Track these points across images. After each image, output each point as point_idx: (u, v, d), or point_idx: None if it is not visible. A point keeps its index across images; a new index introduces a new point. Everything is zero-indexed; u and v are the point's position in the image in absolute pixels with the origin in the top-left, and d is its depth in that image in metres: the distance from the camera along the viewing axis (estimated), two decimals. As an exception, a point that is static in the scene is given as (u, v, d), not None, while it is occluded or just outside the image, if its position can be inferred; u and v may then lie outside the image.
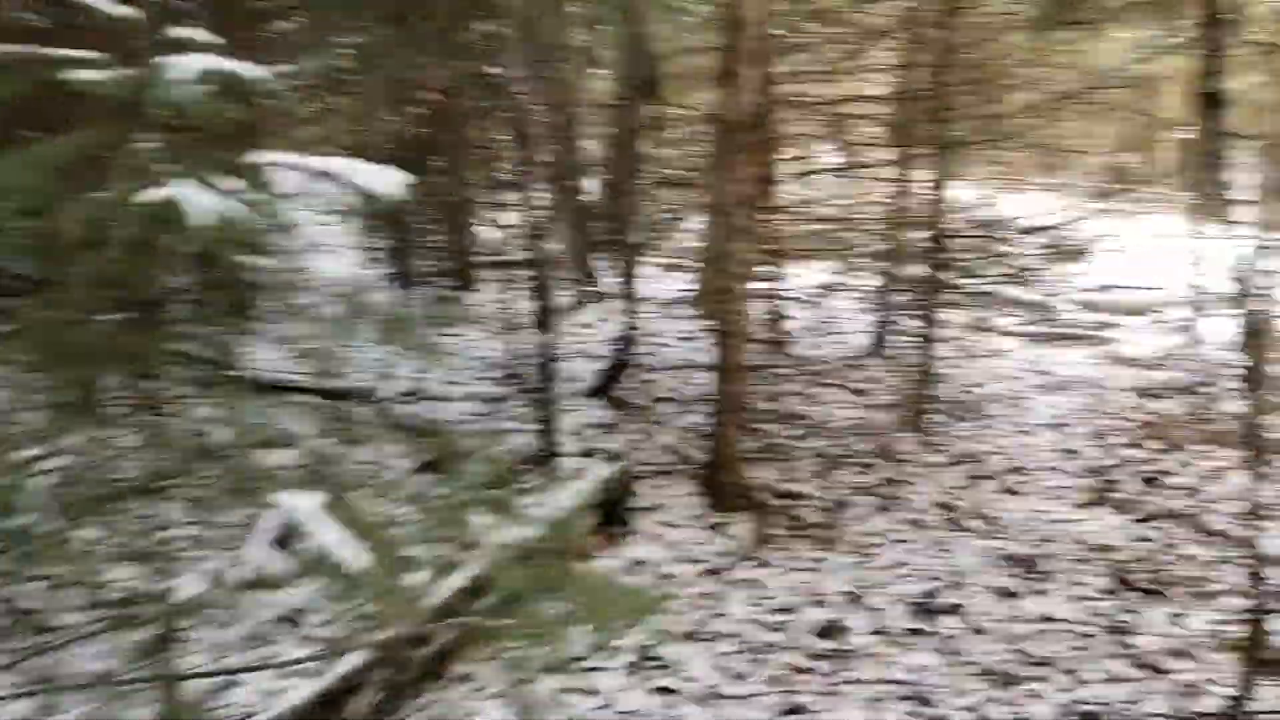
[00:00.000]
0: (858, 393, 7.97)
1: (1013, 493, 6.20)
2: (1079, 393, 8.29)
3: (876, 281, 9.13)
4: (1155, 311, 11.26)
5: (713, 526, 5.57)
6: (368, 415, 7.52)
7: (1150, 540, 5.54)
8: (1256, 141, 8.84)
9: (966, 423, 7.44)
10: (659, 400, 7.61)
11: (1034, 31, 7.42)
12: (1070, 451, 6.90)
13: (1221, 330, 10.09)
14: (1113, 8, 8.02)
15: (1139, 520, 5.83)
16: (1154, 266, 12.97)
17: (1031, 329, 10.24)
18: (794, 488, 6.08)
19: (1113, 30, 10.29)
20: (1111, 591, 5.00)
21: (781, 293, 9.14)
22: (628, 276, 7.65)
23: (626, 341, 7.57)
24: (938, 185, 7.32)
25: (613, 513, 5.43)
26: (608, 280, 10.65)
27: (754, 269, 7.33)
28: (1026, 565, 5.26)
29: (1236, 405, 7.87)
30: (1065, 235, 12.67)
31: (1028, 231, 10.24)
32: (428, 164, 9.10)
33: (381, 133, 9.40)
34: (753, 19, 5.31)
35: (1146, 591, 4.95)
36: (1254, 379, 8.34)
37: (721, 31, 5.64)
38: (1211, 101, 9.68)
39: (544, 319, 6.18)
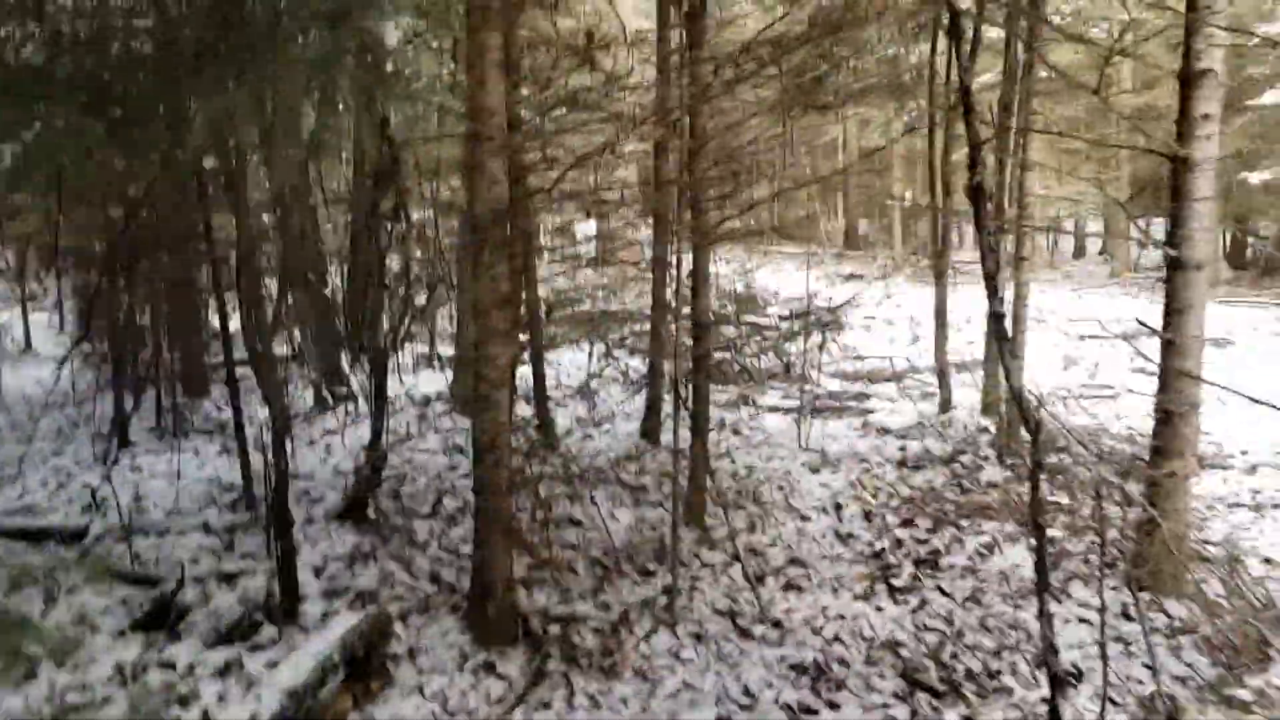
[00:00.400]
0: (634, 489, 7.62)
1: (796, 589, 5.97)
2: (846, 468, 8.31)
3: (642, 368, 8.91)
4: (909, 377, 11.68)
5: (482, 667, 4.96)
6: (71, 560, 6.43)
7: (935, 631, 5.42)
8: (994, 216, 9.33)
9: (744, 510, 7.23)
10: (419, 516, 6.94)
11: (779, 116, 7.48)
12: (847, 536, 6.80)
13: (971, 395, 10.58)
14: (853, 90, 8.24)
15: (919, 608, 5.72)
16: (906, 333, 13.62)
17: (794, 403, 10.32)
18: (570, 609, 5.58)
19: (852, 111, 10.70)
20: (903, 696, 4.80)
21: (548, 387, 8.73)
22: (378, 377, 6.99)
23: (378, 451, 6.88)
24: (696, 269, 7.15)
25: (366, 664, 4.72)
26: (358, 382, 9.90)
27: (514, 368, 6.88)
28: (816, 675, 4.98)
29: (993, 472, 8.13)
30: (821, 307, 13.08)
31: (790, 316, 10.38)
32: (145, 261, 8.11)
33: (86, 230, 8.33)
34: (495, 106, 4.91)
35: (937, 693, 4.78)
36: (1008, 448, 8.70)
37: (466, 119, 5.20)
38: (945, 183, 10.21)
39: (279, 430, 5.44)
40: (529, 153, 6.34)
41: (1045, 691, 4.69)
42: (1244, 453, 8.52)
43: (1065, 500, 7.25)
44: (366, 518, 6.82)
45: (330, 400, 9.61)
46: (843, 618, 5.63)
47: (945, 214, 10.30)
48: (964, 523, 6.95)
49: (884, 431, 9.52)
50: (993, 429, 9.26)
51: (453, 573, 5.99)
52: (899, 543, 6.66)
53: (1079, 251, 29.67)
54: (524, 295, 8.13)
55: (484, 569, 5.23)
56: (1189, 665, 4.88)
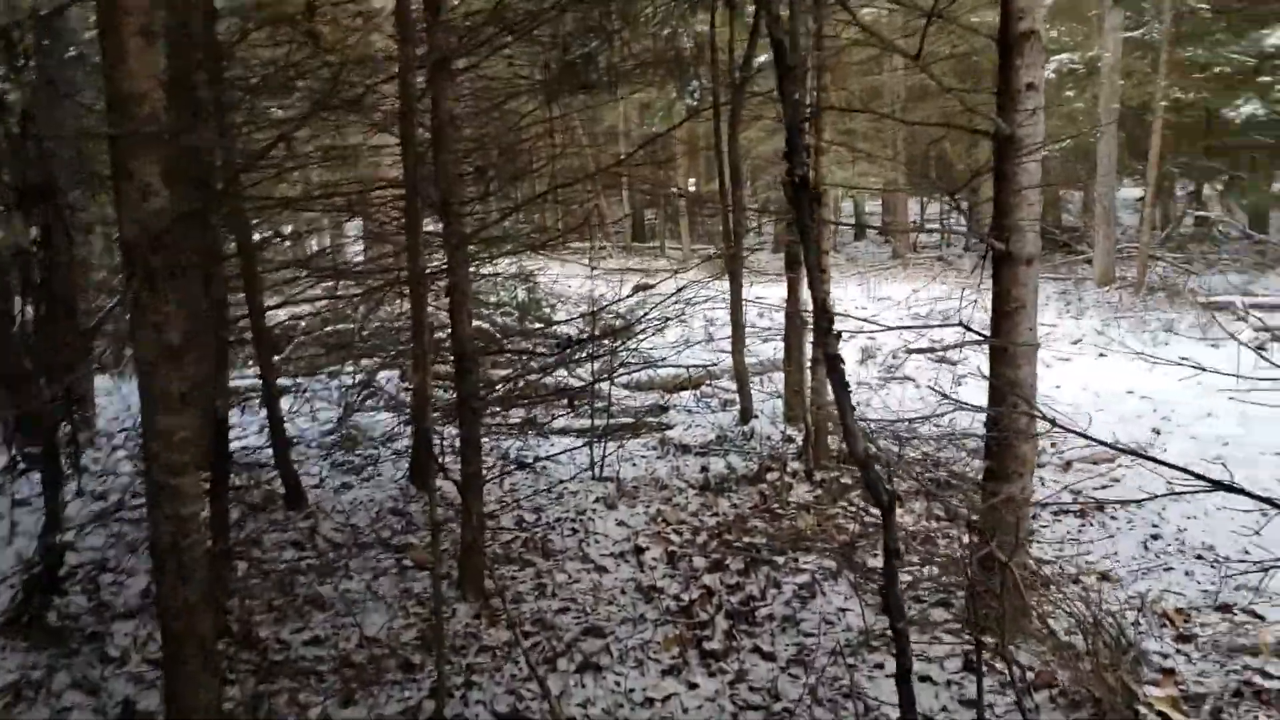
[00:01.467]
0: (399, 552, 6.37)
1: (594, 669, 4.93)
2: (645, 498, 7.36)
3: (406, 404, 7.67)
4: (707, 384, 10.92)
5: None
6: None
7: (759, 711, 4.52)
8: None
9: (532, 567, 6.15)
10: (121, 615, 5.47)
11: (544, 98, 6.43)
12: (650, 590, 5.82)
13: (773, 400, 9.89)
14: (626, 69, 7.28)
15: (738, 679, 4.81)
16: (702, 335, 12.88)
17: (586, 423, 9.31)
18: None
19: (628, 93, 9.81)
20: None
21: (293, 431, 7.33)
22: (46, 442, 5.47)
23: (54, 542, 5.36)
24: (453, 285, 5.97)
25: None
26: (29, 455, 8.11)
27: (222, 425, 5.50)
28: (623, 795, 3.98)
29: (804, 492, 7.38)
30: (611, 313, 12.16)
31: (577, 324, 9.38)
32: None
33: None
34: (142, 90, 3.58)
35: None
36: (815, 460, 8.00)
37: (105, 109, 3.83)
38: (734, 172, 9.44)
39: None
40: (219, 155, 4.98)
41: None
42: (1053, 445, 8.18)
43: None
44: (45, 627, 5.29)
45: (20, 461, 7.80)
46: (651, 703, 4.64)
47: (733, 206, 9.54)
48: (779, 559, 6.12)
49: (683, 450, 8.66)
50: (798, 439, 8.57)
51: (156, 697, 4.61)
52: (709, 592, 5.74)
53: (859, 234, 30.26)
54: (251, 324, 6.72)
55: (176, 705, 3.90)
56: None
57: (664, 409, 10.01)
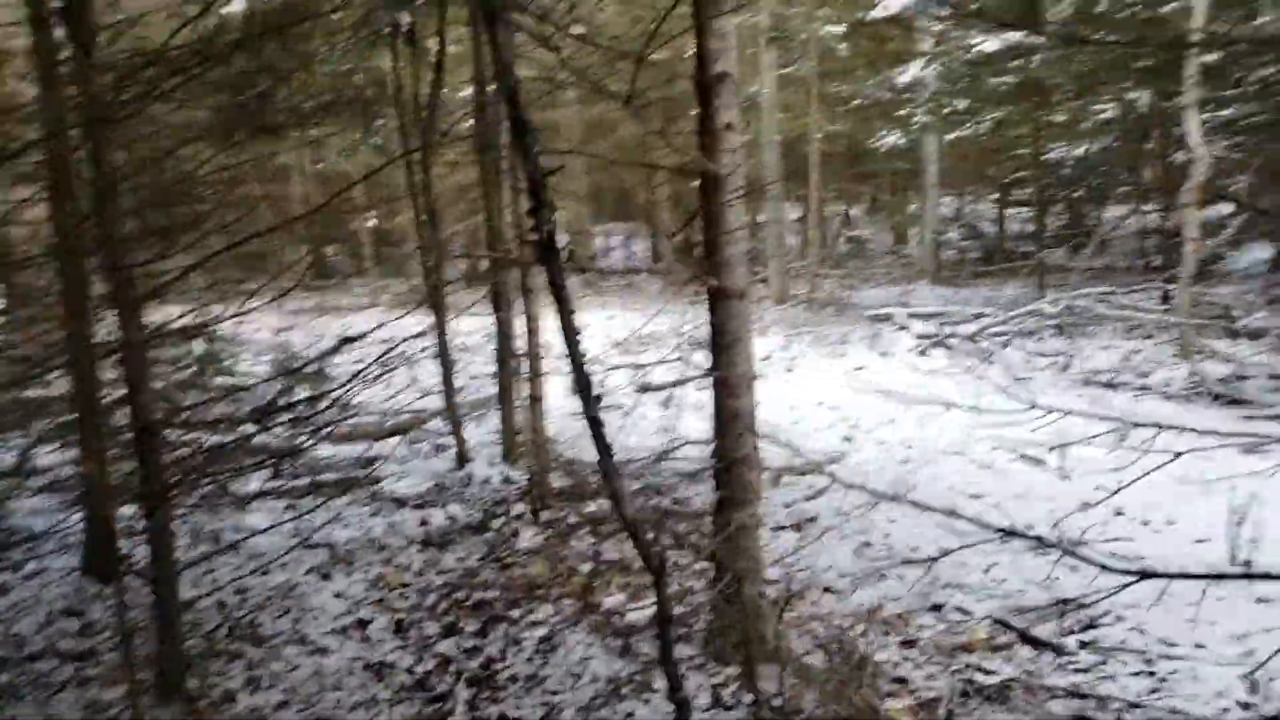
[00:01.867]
0: (79, 662, 5.49)
1: (326, 769, 4.46)
2: (363, 562, 6.87)
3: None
4: (415, 429, 10.46)
5: None
6: None
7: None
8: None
9: (242, 658, 5.50)
10: None
11: (219, 142, 5.83)
12: (380, 667, 5.39)
13: (488, 440, 9.62)
14: (306, 110, 6.80)
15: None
16: (405, 377, 12.33)
17: (286, 484, 8.60)
18: None
19: (309, 132, 9.24)
20: None
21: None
22: None
23: None
24: (130, 349, 5.25)
25: None
26: None
27: None
28: None
29: (531, 536, 7.19)
30: (302, 358, 11.38)
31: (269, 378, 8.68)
32: None
33: None
34: None
35: None
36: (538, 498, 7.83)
37: None
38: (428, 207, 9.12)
39: None
40: None
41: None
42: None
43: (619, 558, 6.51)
44: None
45: None
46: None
47: (432, 248, 9.23)
48: (514, 613, 5.88)
49: (399, 504, 8.20)
50: (518, 478, 8.39)
51: None
52: (445, 661, 5.39)
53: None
54: None
55: None
56: (805, 758, 4.24)
57: (372, 460, 9.47)
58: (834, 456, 8.51)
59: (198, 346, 12.23)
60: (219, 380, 11.52)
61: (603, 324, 17.29)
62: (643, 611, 5.77)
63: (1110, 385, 10.06)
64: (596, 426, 2.82)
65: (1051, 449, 7.47)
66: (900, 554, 6.42)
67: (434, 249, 8.85)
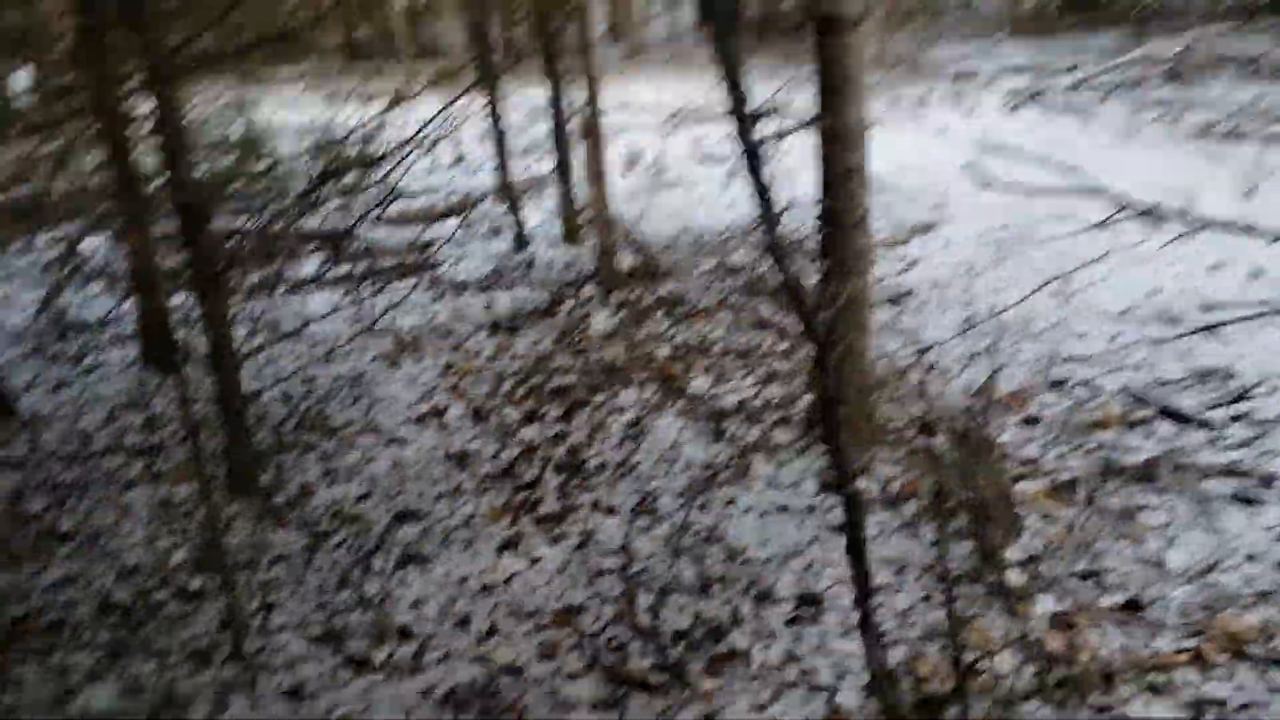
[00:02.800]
0: (147, 456, 5.26)
1: (418, 562, 4.21)
2: (432, 349, 6.53)
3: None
4: (469, 209, 9.93)
5: None
6: None
7: (614, 575, 3.98)
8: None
9: (315, 450, 5.25)
10: None
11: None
12: (462, 456, 5.10)
13: (547, 219, 9.09)
14: None
15: (584, 544, 4.25)
16: (455, 154, 11.69)
17: (343, 269, 8.21)
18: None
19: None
20: (611, 703, 3.33)
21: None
22: None
23: None
24: (167, 120, 4.69)
25: None
26: None
27: None
28: (482, 705, 3.36)
29: (605, 319, 6.77)
30: (344, 139, 10.77)
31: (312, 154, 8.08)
32: None
33: None
34: None
35: (652, 687, 3.36)
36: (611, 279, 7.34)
37: None
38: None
39: None
40: None
41: (787, 643, 3.48)
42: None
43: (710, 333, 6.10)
44: None
45: None
46: (491, 589, 4.01)
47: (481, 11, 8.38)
48: (597, 398, 5.53)
49: (461, 288, 7.78)
50: (582, 260, 7.90)
51: None
52: (530, 448, 5.09)
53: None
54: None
55: None
56: (936, 545, 3.89)
57: (428, 244, 9.00)
58: (922, 227, 7.88)
59: (235, 131, 11.64)
60: (261, 165, 11.00)
61: (653, 96, 16.30)
62: (731, 396, 5.38)
63: (1233, 135, 9.11)
64: (753, 159, 2.25)
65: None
66: (1010, 328, 5.89)
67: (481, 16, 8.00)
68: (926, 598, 3.58)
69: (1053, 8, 18.22)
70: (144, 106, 5.58)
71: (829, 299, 4.44)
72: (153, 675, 3.50)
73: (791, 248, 6.35)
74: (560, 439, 5.15)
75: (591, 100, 7.21)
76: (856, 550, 2.13)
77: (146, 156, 6.44)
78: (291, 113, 13.61)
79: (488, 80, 8.36)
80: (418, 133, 5.11)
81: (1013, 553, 3.69)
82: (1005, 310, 5.73)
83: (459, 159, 11.70)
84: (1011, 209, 7.69)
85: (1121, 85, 10.74)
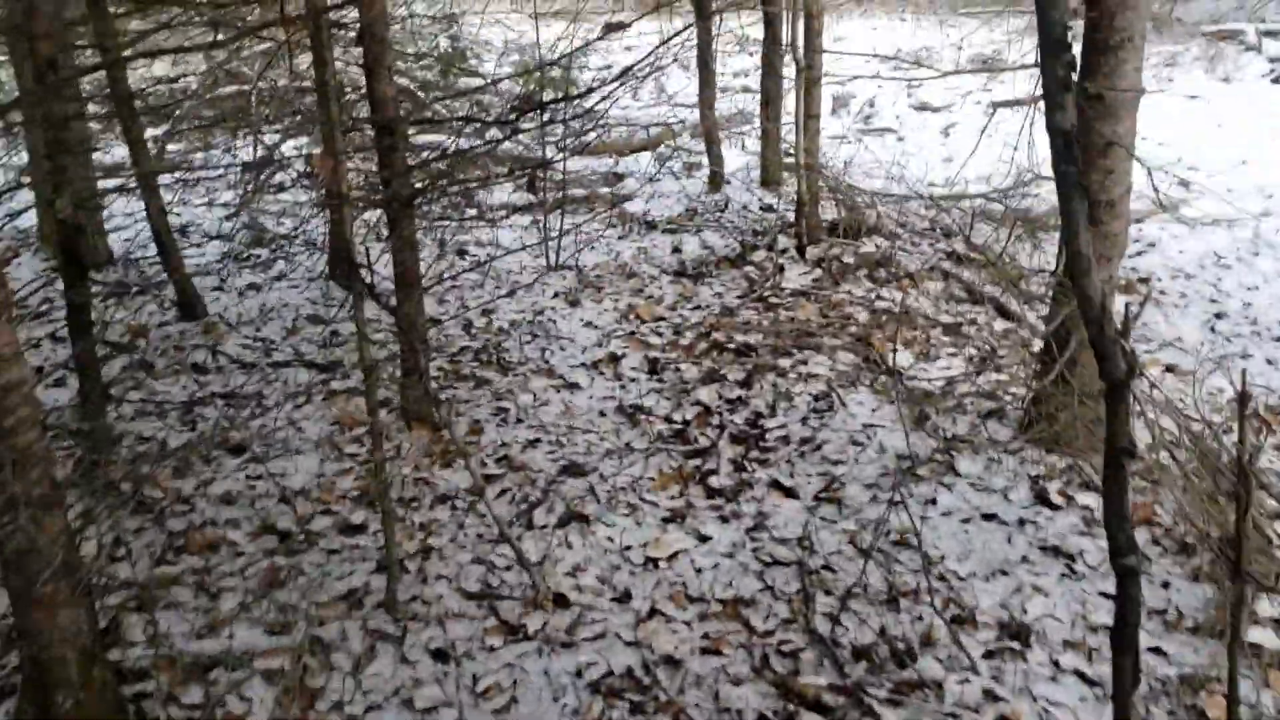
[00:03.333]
0: (325, 372, 5.22)
1: (580, 522, 3.97)
2: (613, 290, 6.26)
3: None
4: (666, 144, 9.57)
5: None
6: None
7: (789, 568, 3.62)
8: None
9: (488, 387, 5.08)
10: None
11: None
12: (633, 411, 4.81)
13: (743, 160, 8.64)
14: None
15: (757, 528, 3.90)
16: (658, 87, 11.34)
17: (532, 198, 8.02)
18: (219, 645, 3.32)
19: None
20: None
21: (177, 225, 5.93)
22: None
23: None
24: (369, 27, 4.49)
25: None
26: None
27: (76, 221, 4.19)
28: (634, 698, 3.09)
29: (799, 275, 6.32)
30: (551, 60, 10.63)
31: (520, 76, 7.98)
32: None
33: None
34: None
35: (826, 708, 3.00)
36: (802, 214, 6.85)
37: None
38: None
39: None
40: None
41: (986, 679, 3.04)
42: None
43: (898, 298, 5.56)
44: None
45: None
46: (654, 566, 3.72)
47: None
48: (783, 362, 5.12)
49: (649, 227, 7.48)
50: (780, 208, 7.43)
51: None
52: (706, 411, 4.75)
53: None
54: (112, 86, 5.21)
55: (33, 645, 2.85)
56: (1165, 589, 3.35)
57: (620, 177, 8.72)
58: (1170, 204, 7.00)
59: (442, 41, 11.62)
60: (463, 82, 10.95)
61: (866, 35, 15.42)
62: (937, 376, 4.88)
63: None
64: (1066, 147, 1.79)
65: None
66: (1269, 330, 5.13)
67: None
68: (1158, 650, 3.07)
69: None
70: (350, 13, 5.46)
71: (1063, 290, 3.89)
72: (302, 614, 3.38)
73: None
74: (740, 404, 4.78)
75: (808, 36, 6.66)
76: (1126, 639, 1.68)
77: (350, 66, 6.37)
78: (497, 30, 13.55)
79: (701, 12, 7.90)
80: (628, 70, 4.71)
81: (1267, 607, 3.11)
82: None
83: (661, 91, 11.33)
84: (1272, 188, 6.73)
85: None
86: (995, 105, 9.20)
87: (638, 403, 4.86)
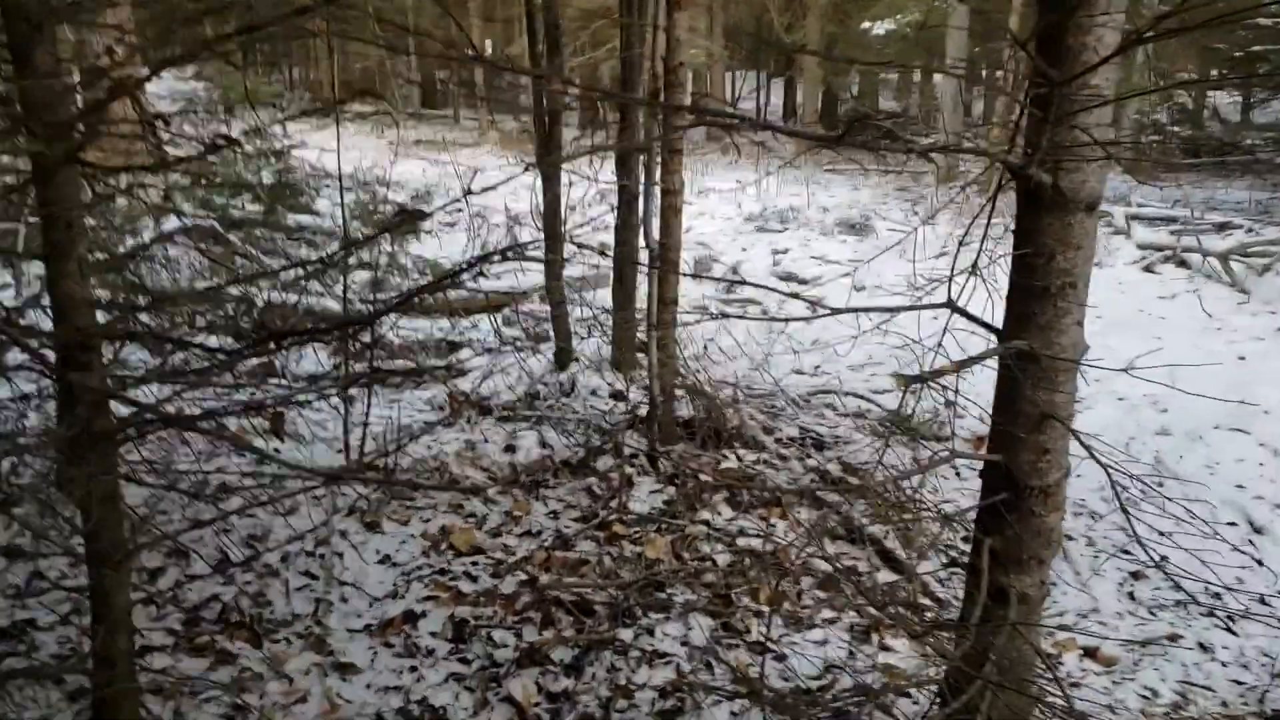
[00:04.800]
0: None
1: None
2: (427, 503, 5.12)
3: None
4: (510, 308, 8.58)
5: None
6: None
7: None
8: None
9: (227, 666, 3.79)
10: None
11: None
12: (422, 712, 3.61)
13: (597, 338, 7.71)
14: None
15: None
16: (503, 236, 10.39)
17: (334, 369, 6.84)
18: None
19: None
20: None
21: None
22: None
23: None
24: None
25: None
26: None
27: None
28: None
29: (649, 492, 5.30)
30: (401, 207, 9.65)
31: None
32: None
33: None
34: None
35: None
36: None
37: None
38: None
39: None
40: None
41: None
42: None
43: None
44: None
45: None
46: None
47: (548, 81, 7.08)
48: (626, 634, 4.03)
49: (483, 412, 6.39)
50: (632, 396, 6.49)
51: None
52: (520, 713, 3.59)
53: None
54: None
55: None
56: None
57: (455, 346, 7.65)
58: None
59: (268, 175, 10.46)
60: (292, 219, 9.79)
61: (731, 188, 15.05)
62: (814, 654, 3.87)
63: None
64: None
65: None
66: (1199, 599, 4.35)
67: (553, 75, 6.68)
68: None
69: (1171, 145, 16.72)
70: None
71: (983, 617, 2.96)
72: None
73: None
74: (565, 702, 3.65)
75: (668, 208, 5.82)
76: None
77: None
78: (347, 155, 12.38)
79: (550, 155, 7.03)
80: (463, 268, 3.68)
81: None
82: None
83: (514, 248, 10.41)
84: (1165, 401, 6.17)
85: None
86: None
87: (427, 697, 3.66)
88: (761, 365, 7.02)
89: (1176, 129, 17.20)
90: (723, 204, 13.78)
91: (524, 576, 4.48)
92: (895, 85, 28.58)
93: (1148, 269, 9.31)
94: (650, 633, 4.03)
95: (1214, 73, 17.08)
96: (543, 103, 6.97)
